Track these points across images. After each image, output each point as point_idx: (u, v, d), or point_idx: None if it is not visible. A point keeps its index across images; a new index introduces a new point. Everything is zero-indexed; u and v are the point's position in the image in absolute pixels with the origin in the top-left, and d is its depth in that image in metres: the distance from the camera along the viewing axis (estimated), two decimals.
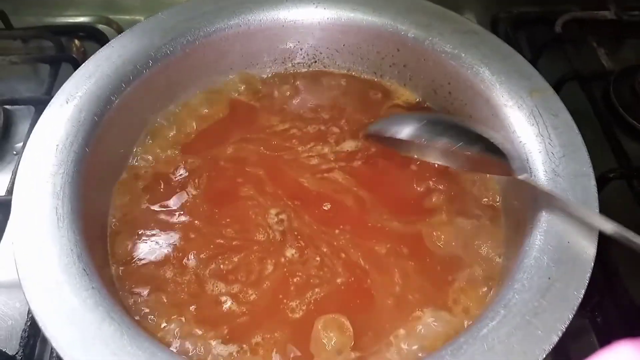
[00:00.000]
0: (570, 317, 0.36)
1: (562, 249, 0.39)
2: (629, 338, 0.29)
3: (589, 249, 0.39)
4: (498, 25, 0.77)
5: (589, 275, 0.38)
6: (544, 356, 0.35)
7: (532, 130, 0.45)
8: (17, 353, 0.45)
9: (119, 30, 0.75)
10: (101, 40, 0.71)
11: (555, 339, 0.35)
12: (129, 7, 0.77)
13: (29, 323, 0.46)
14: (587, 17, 0.74)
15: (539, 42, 0.71)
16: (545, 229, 0.40)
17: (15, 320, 0.48)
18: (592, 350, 0.49)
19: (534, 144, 0.45)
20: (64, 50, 0.70)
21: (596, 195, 0.42)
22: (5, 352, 0.45)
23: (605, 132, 0.61)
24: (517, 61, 0.50)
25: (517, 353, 0.35)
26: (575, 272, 0.38)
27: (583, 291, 0.37)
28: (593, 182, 0.42)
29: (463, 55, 0.50)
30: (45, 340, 0.45)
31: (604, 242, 0.52)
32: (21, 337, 0.45)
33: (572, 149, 0.44)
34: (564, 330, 0.36)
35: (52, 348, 0.44)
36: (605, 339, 0.50)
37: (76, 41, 0.73)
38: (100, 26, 0.75)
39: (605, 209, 0.55)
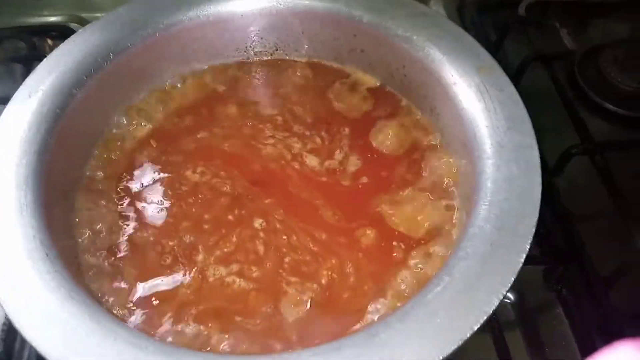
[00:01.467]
0: (512, 279, 0.38)
1: (504, 218, 0.40)
2: (629, 338, 0.29)
3: (531, 215, 0.40)
4: (464, 11, 0.79)
5: (530, 240, 0.39)
6: (485, 318, 0.36)
7: (479, 105, 0.47)
8: None
9: None
10: None
11: (496, 301, 0.37)
12: (101, 5, 0.78)
13: None
14: None
15: (504, 24, 0.73)
16: (490, 199, 0.42)
17: None
18: (560, 321, 0.52)
19: (481, 119, 0.46)
20: (37, 50, 0.71)
21: (539, 164, 0.43)
22: None
23: (569, 111, 0.62)
24: (466, 41, 0.51)
25: (460, 316, 0.36)
26: (517, 237, 0.39)
27: (524, 255, 0.38)
28: (536, 153, 0.44)
29: (414, 37, 0.52)
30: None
31: (568, 216, 0.55)
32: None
33: (517, 121, 0.45)
34: (505, 293, 0.37)
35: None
36: (571, 311, 0.52)
37: (49, 41, 0.74)
38: (73, 25, 0.76)
39: (570, 185, 0.57)
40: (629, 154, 0.61)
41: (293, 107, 0.57)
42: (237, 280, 0.46)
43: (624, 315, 0.50)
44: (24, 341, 0.49)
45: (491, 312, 0.37)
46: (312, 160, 0.53)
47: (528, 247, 0.39)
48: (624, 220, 0.53)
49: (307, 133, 0.55)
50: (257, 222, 0.49)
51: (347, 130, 0.55)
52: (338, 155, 0.53)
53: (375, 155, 0.53)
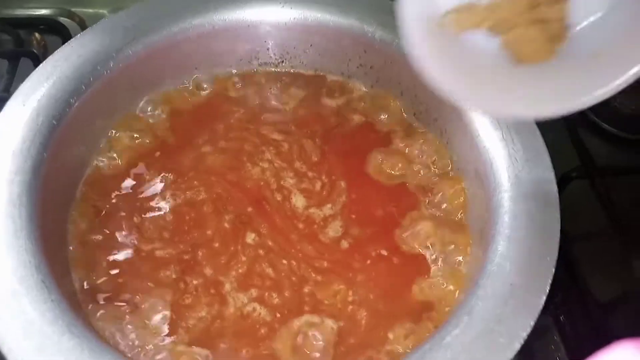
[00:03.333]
0: (532, 323, 0.37)
1: (524, 256, 0.40)
2: (629, 338, 0.29)
3: (551, 255, 0.40)
4: None
5: (550, 280, 0.39)
6: None
7: (496, 134, 0.45)
8: None
9: (81, 24, 0.73)
10: (63, 33, 0.69)
11: (518, 346, 0.36)
12: None
13: None
14: None
15: None
16: (508, 234, 0.41)
17: None
18: (556, 348, 0.51)
19: (498, 148, 0.45)
20: (23, 45, 0.67)
21: (557, 201, 0.43)
22: None
23: (569, 132, 0.62)
24: None
25: None
26: (537, 278, 0.39)
27: (544, 297, 0.38)
28: (554, 188, 0.43)
29: None
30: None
31: (566, 241, 0.54)
32: None
33: (535, 153, 0.44)
34: (526, 337, 0.36)
35: None
36: (568, 336, 0.52)
37: (36, 35, 0.70)
38: (62, 19, 0.72)
39: (568, 208, 0.56)
40: (629, 178, 0.61)
41: (293, 119, 0.55)
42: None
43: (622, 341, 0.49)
44: None
45: (512, 357, 0.36)
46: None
47: (548, 288, 0.38)
48: (623, 245, 0.53)
49: (306, 146, 0.53)
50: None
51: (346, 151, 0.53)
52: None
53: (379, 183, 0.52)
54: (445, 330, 0.37)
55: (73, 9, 0.74)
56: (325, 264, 0.46)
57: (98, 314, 0.43)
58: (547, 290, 0.38)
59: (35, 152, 0.43)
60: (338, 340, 0.43)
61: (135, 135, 0.52)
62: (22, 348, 0.34)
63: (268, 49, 0.56)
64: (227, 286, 0.45)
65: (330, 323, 0.43)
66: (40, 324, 0.35)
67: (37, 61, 0.62)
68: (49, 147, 0.44)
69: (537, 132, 0.46)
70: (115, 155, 0.51)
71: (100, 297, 0.44)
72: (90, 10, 0.74)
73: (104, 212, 0.48)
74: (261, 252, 0.47)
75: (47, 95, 0.45)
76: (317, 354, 0.42)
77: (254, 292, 0.45)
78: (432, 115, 0.53)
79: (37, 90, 0.45)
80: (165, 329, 0.43)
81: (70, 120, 0.46)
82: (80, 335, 0.35)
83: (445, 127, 0.52)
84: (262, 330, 0.43)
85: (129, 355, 0.41)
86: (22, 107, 0.44)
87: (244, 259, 0.46)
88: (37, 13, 0.74)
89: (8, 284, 0.37)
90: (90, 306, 0.43)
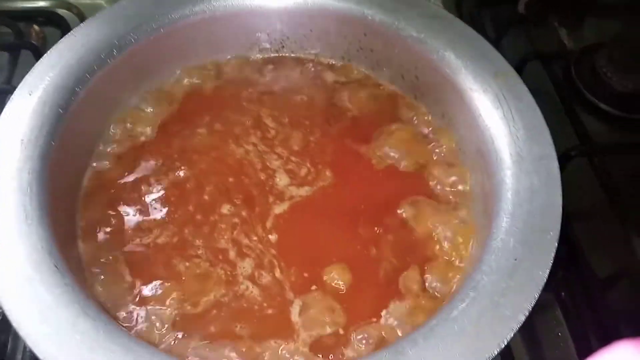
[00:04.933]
0: (536, 296, 0.38)
1: (527, 231, 0.40)
2: (629, 338, 0.29)
3: (553, 229, 0.40)
4: (462, 5, 0.78)
5: (553, 255, 0.39)
6: (512, 335, 0.36)
7: (496, 113, 0.46)
8: None
9: (80, 15, 0.73)
10: (61, 25, 0.69)
11: (523, 318, 0.37)
12: None
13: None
14: None
15: (503, 21, 0.72)
16: (511, 211, 0.41)
17: None
18: (558, 323, 0.52)
19: (500, 127, 0.46)
20: (23, 37, 0.68)
21: (559, 176, 0.43)
22: None
23: (567, 111, 0.62)
24: (481, 45, 0.50)
25: (487, 333, 0.36)
26: (540, 252, 0.39)
27: (548, 271, 0.39)
28: (556, 164, 0.44)
29: (428, 39, 0.51)
30: (17, 337, 0.44)
31: (566, 219, 0.55)
32: None
33: (536, 131, 0.45)
34: (530, 309, 0.37)
35: (25, 346, 0.44)
36: (569, 312, 0.53)
37: (35, 27, 0.70)
38: (60, 11, 0.72)
39: (568, 187, 0.57)
40: (628, 156, 0.61)
41: (296, 105, 0.56)
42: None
43: (621, 317, 0.50)
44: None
45: (517, 328, 0.36)
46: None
47: (551, 262, 0.39)
48: (622, 222, 0.53)
49: (305, 130, 0.54)
50: None
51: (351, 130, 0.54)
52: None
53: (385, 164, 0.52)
54: (452, 304, 0.38)
55: (71, 1, 0.74)
56: None
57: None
58: (550, 264, 0.39)
59: (43, 141, 0.43)
60: None
61: (139, 121, 0.53)
62: (39, 332, 0.35)
63: (269, 34, 0.57)
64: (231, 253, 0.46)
65: None
66: (56, 307, 0.36)
67: (37, 53, 0.62)
68: (57, 135, 0.44)
69: (538, 110, 0.46)
70: (119, 142, 0.51)
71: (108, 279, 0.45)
72: (88, 1, 0.74)
73: (110, 198, 0.48)
74: None
75: (52, 85, 0.46)
76: None
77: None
78: (433, 97, 0.53)
79: (42, 80, 0.46)
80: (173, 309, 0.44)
81: (76, 109, 0.46)
82: (95, 318, 0.36)
83: (446, 108, 0.52)
84: None
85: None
86: (28, 96, 0.45)
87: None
88: (35, 5, 0.74)
89: (22, 269, 0.37)
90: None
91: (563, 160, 0.56)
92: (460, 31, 0.51)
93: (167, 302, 0.44)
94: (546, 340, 0.52)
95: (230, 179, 0.50)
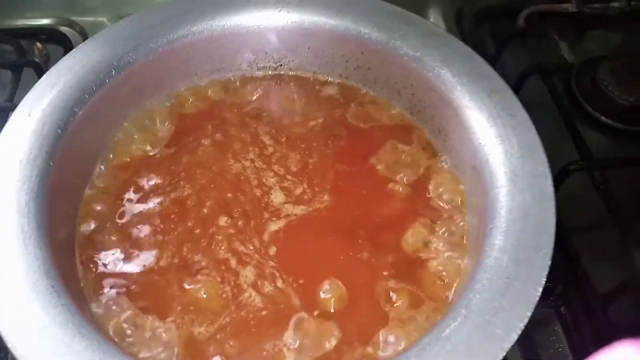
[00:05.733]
0: (529, 314, 0.38)
1: (520, 249, 0.40)
2: (629, 338, 0.30)
3: (547, 247, 0.40)
4: (462, 20, 0.78)
5: (546, 273, 0.39)
6: (504, 354, 0.36)
7: (491, 131, 0.46)
8: None
9: (82, 33, 0.74)
10: (64, 43, 0.70)
11: (515, 337, 0.37)
12: (91, 8, 0.76)
13: None
14: (549, 11, 0.75)
15: (503, 36, 0.73)
16: (505, 229, 0.41)
17: None
18: (558, 339, 0.52)
19: (494, 144, 0.46)
20: (25, 55, 0.69)
21: (553, 194, 0.43)
22: None
23: (568, 124, 0.62)
24: (477, 63, 0.50)
25: (479, 352, 0.36)
26: (533, 270, 0.39)
27: (541, 289, 0.38)
28: (549, 182, 0.43)
29: (424, 57, 0.51)
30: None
31: (566, 233, 0.55)
32: None
33: (530, 149, 0.45)
34: (523, 327, 0.37)
35: None
36: (569, 327, 0.52)
37: (38, 44, 0.72)
38: (63, 28, 0.74)
39: (568, 201, 0.57)
40: (628, 170, 0.61)
41: (294, 123, 0.56)
42: None
43: (622, 332, 0.50)
44: None
45: (509, 347, 0.36)
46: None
47: (544, 280, 0.39)
48: (623, 237, 0.53)
49: (305, 148, 0.54)
50: None
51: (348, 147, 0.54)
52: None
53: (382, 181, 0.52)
54: (444, 323, 0.38)
55: (73, 18, 0.75)
56: None
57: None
58: (544, 282, 0.39)
59: (42, 161, 0.44)
60: None
61: (137, 141, 0.53)
62: (34, 352, 0.35)
63: (266, 53, 0.57)
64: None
65: None
66: (52, 328, 0.36)
67: (39, 71, 0.63)
68: (55, 156, 0.45)
69: (532, 128, 0.46)
70: (118, 161, 0.52)
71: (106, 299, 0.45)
72: (90, 19, 0.75)
73: (109, 218, 0.49)
74: None
75: (51, 105, 0.46)
76: None
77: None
78: (429, 114, 0.53)
79: (41, 101, 0.47)
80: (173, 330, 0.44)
81: (75, 129, 0.47)
82: (90, 338, 0.36)
83: (442, 125, 0.52)
84: None
85: (139, 356, 0.42)
86: (27, 117, 0.45)
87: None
88: (38, 23, 0.75)
89: (19, 290, 0.38)
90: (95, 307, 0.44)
91: (563, 174, 0.56)
92: (457, 49, 0.52)
93: (166, 323, 0.44)
94: (546, 355, 0.52)
95: (229, 194, 0.51)
